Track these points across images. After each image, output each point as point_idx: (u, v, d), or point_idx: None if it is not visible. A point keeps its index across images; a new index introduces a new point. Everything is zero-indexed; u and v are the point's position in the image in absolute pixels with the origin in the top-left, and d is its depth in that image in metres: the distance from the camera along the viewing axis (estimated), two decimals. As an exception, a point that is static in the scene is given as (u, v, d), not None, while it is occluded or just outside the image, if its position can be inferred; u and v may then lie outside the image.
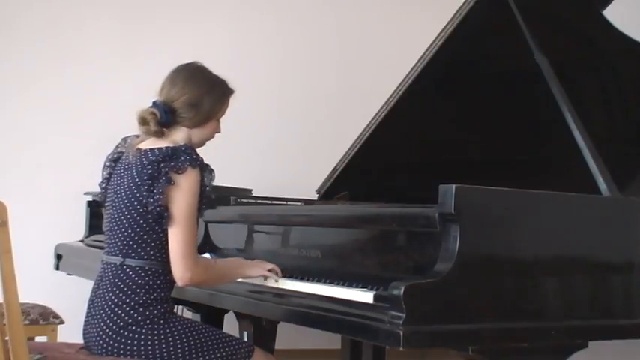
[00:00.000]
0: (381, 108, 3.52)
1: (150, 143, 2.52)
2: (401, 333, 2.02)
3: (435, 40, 3.22)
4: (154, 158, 2.43)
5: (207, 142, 2.64)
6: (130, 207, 2.45)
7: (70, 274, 4.14)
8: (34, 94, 4.73)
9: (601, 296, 2.42)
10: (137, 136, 2.58)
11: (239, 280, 2.69)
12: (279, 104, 5.04)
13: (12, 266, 2.15)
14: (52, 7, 4.79)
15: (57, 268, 4.21)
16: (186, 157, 2.42)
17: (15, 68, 4.72)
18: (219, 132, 2.63)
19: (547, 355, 2.29)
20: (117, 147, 2.64)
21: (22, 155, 4.69)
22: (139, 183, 2.43)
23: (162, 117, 2.50)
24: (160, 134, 2.51)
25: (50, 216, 4.65)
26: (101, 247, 2.68)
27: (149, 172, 2.41)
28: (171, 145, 2.47)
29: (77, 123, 4.74)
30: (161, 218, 2.41)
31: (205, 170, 2.48)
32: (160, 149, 2.46)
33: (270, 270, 2.62)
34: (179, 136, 2.54)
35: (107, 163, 2.63)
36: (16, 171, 4.65)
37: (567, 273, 2.34)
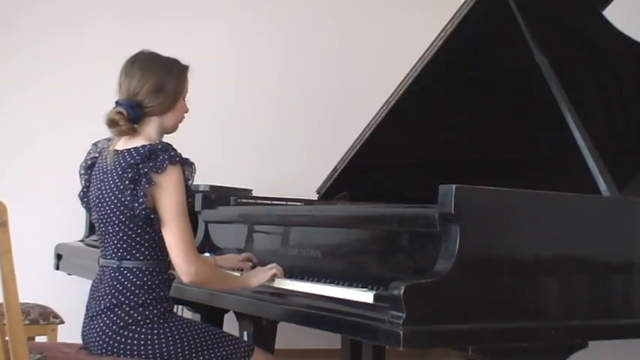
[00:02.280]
0: (381, 108, 3.52)
1: (125, 143, 2.47)
2: (401, 333, 2.02)
3: (435, 40, 3.22)
4: (132, 160, 2.39)
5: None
6: (117, 212, 2.43)
7: (70, 274, 4.13)
8: (34, 94, 4.73)
9: (601, 296, 2.42)
10: (108, 139, 2.55)
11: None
12: (279, 104, 5.04)
13: (12, 266, 2.15)
14: (52, 7, 4.79)
15: (57, 268, 4.21)
16: (164, 155, 2.39)
17: (15, 68, 4.72)
18: (187, 111, 2.58)
19: (547, 355, 2.29)
20: (88, 153, 2.60)
21: (22, 155, 4.68)
22: (121, 187, 2.40)
23: (131, 114, 2.45)
24: (132, 131, 2.46)
25: (50, 216, 4.64)
26: (101, 248, 2.68)
27: (129, 175, 2.38)
28: (147, 144, 2.43)
29: (77, 123, 4.73)
30: (149, 220, 2.40)
31: (185, 164, 2.44)
32: (136, 149, 2.42)
33: (273, 275, 2.58)
34: (151, 128, 2.49)
35: (82, 171, 2.60)
36: (16, 171, 4.65)
37: (567, 273, 2.34)
